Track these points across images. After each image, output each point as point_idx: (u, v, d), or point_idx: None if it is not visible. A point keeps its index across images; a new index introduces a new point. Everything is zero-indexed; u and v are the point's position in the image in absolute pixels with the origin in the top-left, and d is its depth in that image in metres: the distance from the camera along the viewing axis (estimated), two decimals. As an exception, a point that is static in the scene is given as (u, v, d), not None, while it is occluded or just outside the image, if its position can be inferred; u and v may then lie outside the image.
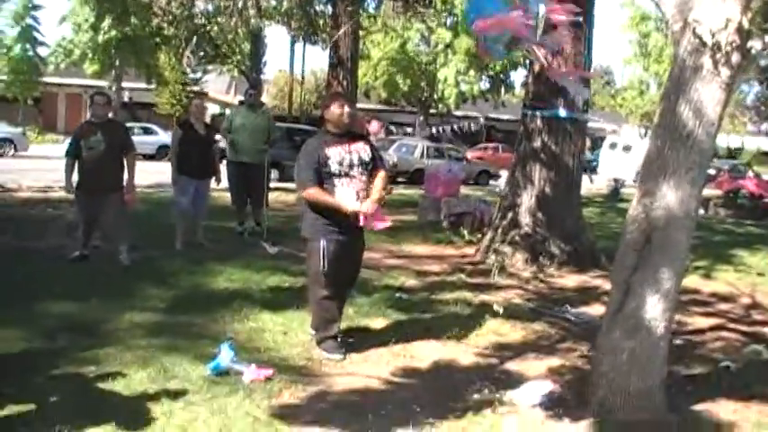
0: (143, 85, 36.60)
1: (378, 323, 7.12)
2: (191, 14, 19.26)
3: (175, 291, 7.81)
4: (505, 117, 53.08)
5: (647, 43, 49.33)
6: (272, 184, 13.61)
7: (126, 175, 9.00)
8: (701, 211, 22.01)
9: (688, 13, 4.61)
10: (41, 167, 21.96)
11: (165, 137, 32.44)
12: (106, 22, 25.77)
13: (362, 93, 38.96)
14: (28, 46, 39.38)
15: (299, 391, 5.23)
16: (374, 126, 26.77)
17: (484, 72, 42.19)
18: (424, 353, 6.31)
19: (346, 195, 5.94)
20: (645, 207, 4.78)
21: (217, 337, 6.15)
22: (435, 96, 43.85)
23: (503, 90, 45.28)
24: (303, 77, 44.09)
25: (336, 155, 5.94)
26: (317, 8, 18.74)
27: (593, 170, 33.46)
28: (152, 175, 17.37)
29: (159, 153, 30.62)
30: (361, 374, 5.70)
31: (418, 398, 5.25)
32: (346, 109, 6.07)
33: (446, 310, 7.76)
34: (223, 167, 11.02)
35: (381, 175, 6.21)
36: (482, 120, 49.83)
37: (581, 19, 8.49)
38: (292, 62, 40.42)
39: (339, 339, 6.19)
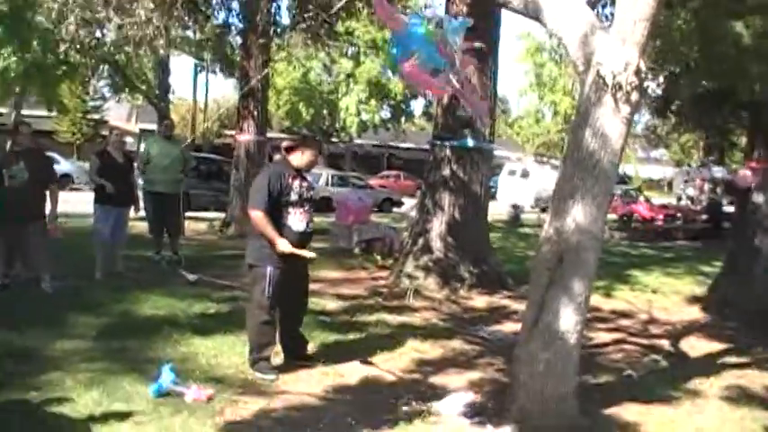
0: (43, 113, 35.90)
1: (305, 345, 7.43)
2: (100, 43, 19.15)
3: (103, 318, 7.92)
4: (405, 146, 53.91)
5: (543, 73, 50.82)
6: (182, 213, 13.72)
7: (48, 205, 9.03)
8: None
9: (591, 56, 5.14)
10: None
11: (66, 165, 31.96)
12: (6, 49, 25.23)
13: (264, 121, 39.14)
14: None
15: (240, 410, 5.53)
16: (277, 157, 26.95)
17: (384, 101, 42.78)
18: (352, 371, 6.68)
19: (299, 223, 6.37)
20: (556, 230, 5.27)
21: (152, 362, 6.37)
22: (337, 125, 44.25)
23: (403, 119, 45.94)
24: (206, 106, 43.92)
25: (297, 187, 6.40)
26: (229, 39, 18.87)
27: (493, 196, 34.31)
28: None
29: (60, 181, 30.17)
30: (295, 393, 6.02)
31: (352, 412, 5.61)
32: (314, 157, 6.65)
33: (368, 330, 8.14)
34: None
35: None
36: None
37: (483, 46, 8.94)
38: (195, 91, 40.40)
39: (271, 361, 6.49)
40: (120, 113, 49.96)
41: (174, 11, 14.65)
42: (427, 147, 12.13)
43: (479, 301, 10.47)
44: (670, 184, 65.16)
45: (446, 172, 11.12)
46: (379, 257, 12.71)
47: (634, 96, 5.06)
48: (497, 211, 25.16)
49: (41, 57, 22.18)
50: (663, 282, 13.56)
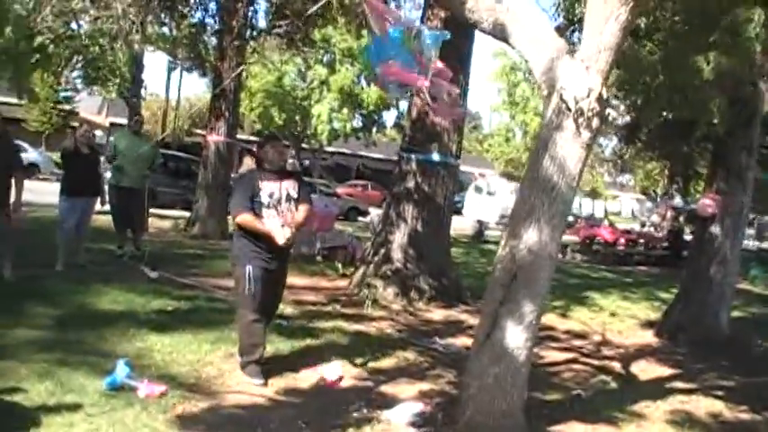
0: (12, 100, 35.63)
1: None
2: (75, 34, 19.12)
3: (62, 309, 7.93)
4: (376, 156, 54.01)
5: (515, 92, 51.28)
6: (148, 210, 13.70)
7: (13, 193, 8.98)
8: (560, 256, 23.24)
9: (556, 80, 5.27)
10: None
11: (34, 154, 31.74)
12: (-25, 34, 24.99)
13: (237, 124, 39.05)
14: None
15: (192, 406, 5.60)
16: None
17: (356, 111, 42.87)
18: (306, 375, 6.75)
19: (272, 225, 6.34)
20: (512, 248, 5.38)
21: (107, 355, 6.40)
22: (308, 131, 44.26)
23: (374, 129, 46.06)
24: (178, 104, 43.82)
25: (268, 188, 6.39)
26: (205, 38, 18.88)
27: (459, 211, 34.56)
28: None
29: (26, 170, 29.97)
30: (248, 393, 6.10)
31: (303, 415, 5.70)
32: (280, 150, 6.60)
33: (324, 337, 8.19)
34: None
35: (303, 207, 6.59)
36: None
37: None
38: (168, 88, 40.34)
39: (261, 365, 6.52)
40: (91, 106, 49.72)
41: (150, 7, 14.66)
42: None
43: (437, 313, 10.59)
44: (633, 212, 66.13)
45: (411, 184, 11.25)
46: (340, 266, 12.78)
47: (595, 122, 5.20)
48: (462, 225, 25.36)
49: (14, 44, 22.07)
50: (619, 305, 13.75)
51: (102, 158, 11.46)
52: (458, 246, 18.45)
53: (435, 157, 11.10)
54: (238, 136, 19.34)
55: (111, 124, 46.86)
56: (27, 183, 9.47)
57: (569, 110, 5.16)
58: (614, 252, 24.83)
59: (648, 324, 11.88)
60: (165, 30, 20.28)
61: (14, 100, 35.86)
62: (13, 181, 8.97)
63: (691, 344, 10.37)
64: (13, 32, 21.89)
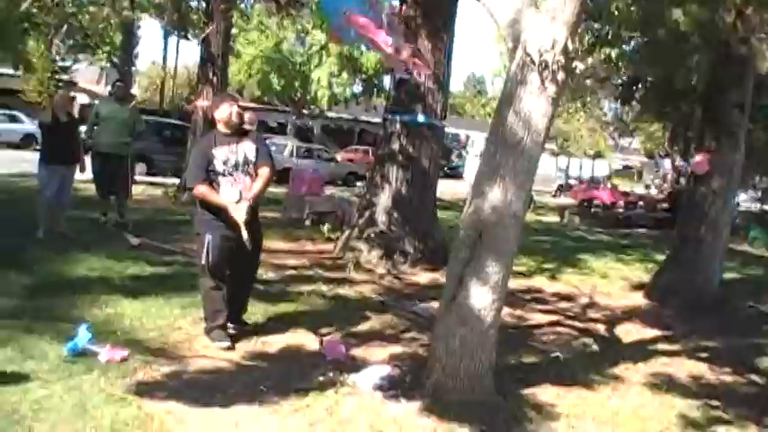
0: (9, 71, 35.45)
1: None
2: (61, 1, 18.95)
3: (37, 277, 7.84)
4: (377, 120, 53.71)
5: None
6: (139, 178, 13.64)
7: None
8: (557, 219, 23.13)
9: (520, 33, 5.11)
10: None
11: (31, 125, 31.66)
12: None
13: (236, 90, 38.71)
14: None
15: (153, 372, 5.49)
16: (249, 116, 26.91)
17: (357, 75, 42.54)
18: (276, 339, 6.65)
19: (230, 194, 6.15)
20: (476, 207, 5.25)
21: (75, 321, 6.27)
22: (308, 97, 43.94)
23: (375, 94, 45.73)
24: (176, 71, 43.53)
25: (222, 155, 6.18)
26: (192, 4, 18.69)
27: (459, 176, 34.44)
28: (15, 164, 17.07)
29: (24, 141, 29.95)
30: (213, 357, 6.00)
31: (266, 379, 5.59)
32: (235, 109, 6.32)
33: (300, 300, 8.10)
34: (88, 159, 11.01)
35: (264, 172, 6.36)
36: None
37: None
38: (165, 56, 40.09)
39: (226, 329, 6.43)
40: (89, 76, 49.44)
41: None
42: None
43: (422, 276, 10.48)
44: (640, 174, 65.79)
45: (395, 146, 11.08)
46: (326, 229, 12.64)
47: (560, 76, 5.04)
48: (463, 189, 25.18)
49: (4, 12, 21.91)
50: (612, 267, 13.66)
51: (84, 126, 11.33)
52: (455, 209, 18.26)
53: (420, 118, 10.92)
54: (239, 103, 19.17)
55: (109, 93, 46.63)
56: (24, 153, 9.38)
57: (534, 63, 5.00)
58: (614, 215, 24.63)
59: (639, 286, 11.78)
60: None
61: (11, 71, 35.82)
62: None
63: (679, 306, 10.24)
64: (2, 2, 21.75)
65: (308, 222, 13.89)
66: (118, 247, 9.90)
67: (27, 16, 20.43)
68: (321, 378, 5.71)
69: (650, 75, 9.98)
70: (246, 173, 6.29)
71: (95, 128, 11.33)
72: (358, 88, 43.48)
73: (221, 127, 6.35)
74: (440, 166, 12.53)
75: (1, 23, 20.91)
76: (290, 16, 18.01)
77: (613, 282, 12.18)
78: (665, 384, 6.82)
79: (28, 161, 9.99)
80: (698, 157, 10.82)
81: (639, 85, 15.82)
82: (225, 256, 6.26)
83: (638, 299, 11.04)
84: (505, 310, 6.84)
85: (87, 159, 10.87)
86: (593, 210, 24.97)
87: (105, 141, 11.20)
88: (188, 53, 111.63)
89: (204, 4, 17.04)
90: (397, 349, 6.76)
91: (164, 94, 39.46)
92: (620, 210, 25.04)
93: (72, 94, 11.20)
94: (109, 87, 15.64)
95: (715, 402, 6.47)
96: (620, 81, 16.67)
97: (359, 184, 29.81)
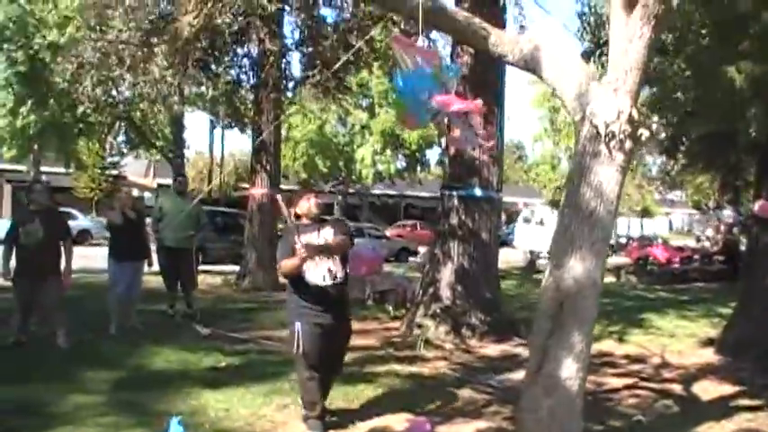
0: (61, 170, 36.42)
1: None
2: (115, 101, 19.56)
3: (116, 372, 8.01)
4: (422, 194, 54.04)
5: (557, 118, 51.06)
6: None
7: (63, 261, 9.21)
8: (613, 279, 22.95)
9: (586, 106, 5.24)
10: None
11: (84, 221, 32.41)
12: (25, 107, 25.68)
13: (282, 175, 39.40)
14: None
15: (249, 462, 5.59)
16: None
17: (399, 151, 43.01)
18: (366, 422, 6.70)
19: (317, 274, 6.28)
20: (556, 278, 5.32)
21: (161, 415, 6.39)
22: (353, 176, 44.47)
23: (418, 168, 46.14)
24: (222, 160, 44.39)
25: (305, 241, 6.27)
26: (242, 94, 19.16)
27: (509, 243, 34.36)
28: (75, 260, 17.39)
29: (80, 237, 30.57)
30: (303, 444, 6.08)
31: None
32: (313, 201, 6.55)
33: (378, 381, 8.15)
34: (154, 253, 11.28)
35: (338, 237, 6.45)
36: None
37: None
38: (212, 145, 40.86)
39: (324, 419, 6.47)
40: (137, 169, 50.53)
41: (186, 69, 14.90)
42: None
43: (491, 349, 10.50)
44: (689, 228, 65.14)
45: (455, 221, 11.23)
46: (391, 308, 12.74)
47: (628, 144, 5.14)
48: (514, 258, 25.16)
49: (59, 115, 22.65)
50: (677, 325, 13.52)
51: (149, 220, 11.63)
52: (510, 278, 18.31)
53: (477, 192, 11.07)
54: (285, 186, 19.53)
55: (159, 185, 47.58)
56: (80, 249, 9.64)
57: (600, 135, 5.11)
58: (669, 270, 24.40)
59: (708, 342, 11.62)
60: (203, 89, 20.61)
61: (62, 169, 36.84)
62: (62, 249, 9.24)
63: (753, 359, 10.10)
64: (55, 104, 22.52)
65: (370, 302, 13.99)
66: (189, 338, 10.08)
67: (82, 118, 21.05)
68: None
69: (705, 130, 10.05)
70: (328, 258, 6.41)
71: (159, 222, 11.61)
72: (401, 164, 43.86)
73: (303, 219, 6.54)
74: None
75: (58, 127, 21.66)
76: (336, 99, 18.30)
77: (681, 340, 12.04)
78: (753, 441, 6.78)
79: (85, 257, 10.18)
80: (759, 203, 10.74)
81: (684, 139, 15.79)
82: (316, 344, 6.33)
83: (710, 355, 10.89)
84: (584, 377, 6.84)
85: (153, 254, 11.14)
86: (648, 267, 24.72)
87: (171, 235, 11.46)
88: (233, 141, 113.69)
89: (253, 96, 17.39)
90: (481, 424, 6.79)
91: (211, 182, 40.09)
92: (676, 265, 24.76)
93: (135, 193, 11.49)
94: (158, 179, 16.01)
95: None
96: (664, 135, 16.67)
97: (411, 259, 29.85)
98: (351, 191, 46.51)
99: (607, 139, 5.10)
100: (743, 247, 24.96)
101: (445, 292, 11.06)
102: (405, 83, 6.52)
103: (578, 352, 5.28)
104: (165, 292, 11.93)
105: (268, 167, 16.25)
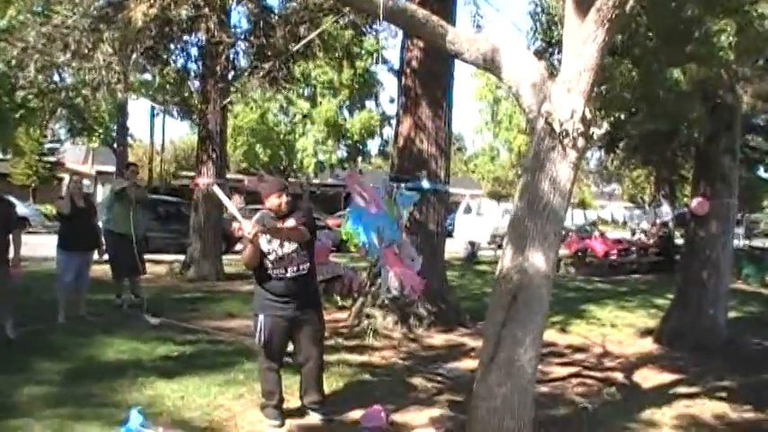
0: (-1, 156, 35.81)
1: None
2: (58, 87, 19.27)
3: (68, 363, 8.00)
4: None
5: (498, 111, 51.58)
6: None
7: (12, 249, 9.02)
8: (555, 271, 23.32)
9: (541, 105, 5.42)
10: None
11: (22, 208, 31.81)
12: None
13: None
14: None
15: (208, 451, 5.68)
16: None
17: (341, 141, 43.00)
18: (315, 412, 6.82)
19: (279, 266, 6.33)
20: (509, 270, 5.50)
21: (118, 406, 6.47)
22: (294, 165, 44.35)
23: (360, 159, 46.17)
24: (163, 148, 43.91)
25: (267, 235, 6.32)
26: (188, 83, 18.99)
27: (449, 234, 34.63)
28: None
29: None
30: (260, 432, 6.19)
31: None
32: (284, 199, 6.47)
33: (331, 371, 8.21)
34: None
35: (290, 222, 6.41)
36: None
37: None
38: (152, 133, 40.31)
39: (280, 408, 6.57)
40: (76, 156, 49.73)
41: (132, 57, 14.77)
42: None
43: (438, 338, 10.70)
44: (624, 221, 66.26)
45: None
46: (338, 298, 12.87)
47: (580, 142, 5.34)
48: (454, 248, 25.43)
49: (1, 102, 22.22)
50: (617, 315, 13.88)
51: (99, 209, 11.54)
52: (452, 269, 18.48)
53: (425, 184, 11.22)
54: (230, 176, 19.48)
55: (98, 173, 46.96)
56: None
57: (555, 132, 5.30)
58: (608, 263, 24.89)
59: (647, 332, 12.02)
60: (148, 76, 20.44)
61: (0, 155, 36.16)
62: (10, 237, 9.00)
63: (690, 348, 10.52)
64: (-4, 90, 22.04)
65: (316, 291, 14.05)
66: (139, 327, 10.08)
67: (22, 103, 20.69)
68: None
69: (647, 128, 10.35)
70: (290, 247, 6.43)
71: (110, 210, 11.52)
72: (343, 154, 43.84)
73: (269, 211, 6.54)
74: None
75: (-2, 112, 21.27)
76: (282, 90, 18.30)
77: (621, 330, 12.40)
78: (693, 426, 7.08)
79: (25, 244, 10.00)
80: (699, 199, 11.08)
81: (624, 135, 16.16)
82: (279, 337, 6.43)
83: (649, 345, 11.28)
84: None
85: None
86: (587, 260, 25.17)
87: (119, 222, 11.38)
88: (173, 129, 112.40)
89: (199, 85, 17.29)
90: (434, 412, 6.97)
91: (152, 171, 39.69)
92: (614, 257, 25.25)
93: (81, 180, 11.40)
94: (97, 166, 15.83)
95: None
96: (603, 130, 16.96)
97: (353, 249, 29.88)
98: (291, 180, 46.37)
99: (561, 137, 5.28)
100: (677, 241, 25.63)
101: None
102: (354, 220, 6.86)
103: (531, 341, 5.47)
104: (111, 280, 11.88)
105: (214, 157, 16.23)
